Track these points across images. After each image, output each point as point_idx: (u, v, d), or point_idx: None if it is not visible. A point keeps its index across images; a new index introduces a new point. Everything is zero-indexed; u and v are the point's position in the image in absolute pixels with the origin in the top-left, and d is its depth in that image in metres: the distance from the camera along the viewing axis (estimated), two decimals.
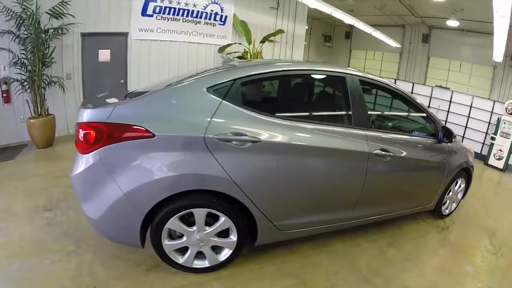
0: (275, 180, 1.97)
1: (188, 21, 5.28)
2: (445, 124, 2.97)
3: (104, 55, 4.72)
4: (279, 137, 1.93)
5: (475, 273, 2.57)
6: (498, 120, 5.97)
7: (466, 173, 3.39)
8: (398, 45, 11.03)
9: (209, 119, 1.78)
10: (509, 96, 8.23)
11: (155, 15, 4.85)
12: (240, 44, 6.01)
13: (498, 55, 6.23)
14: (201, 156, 1.76)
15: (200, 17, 5.40)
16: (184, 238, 1.93)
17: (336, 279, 2.19)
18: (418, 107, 2.82)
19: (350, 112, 2.28)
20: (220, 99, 1.84)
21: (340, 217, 2.40)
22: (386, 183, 2.57)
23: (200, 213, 1.86)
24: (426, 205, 3.10)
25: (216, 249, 2.06)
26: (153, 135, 1.69)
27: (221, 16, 5.69)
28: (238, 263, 2.18)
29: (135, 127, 1.70)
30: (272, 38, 6.13)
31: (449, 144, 2.89)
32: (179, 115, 1.80)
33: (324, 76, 2.54)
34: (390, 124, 2.94)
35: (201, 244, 1.96)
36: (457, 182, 3.30)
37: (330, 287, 2.11)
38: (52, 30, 3.98)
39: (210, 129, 1.77)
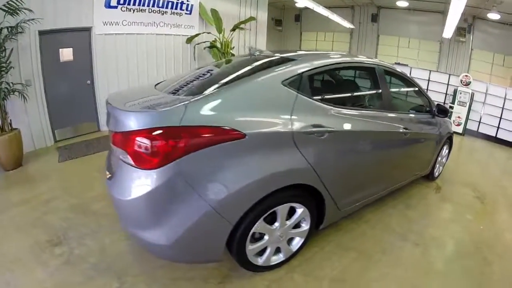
0: (342, 164, 2.24)
1: (154, 11, 5.17)
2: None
3: (66, 54, 4.41)
4: (346, 126, 2.20)
5: (474, 219, 3.36)
6: (455, 91, 7.09)
7: (449, 140, 4.14)
8: (352, 26, 12.10)
9: (290, 113, 1.89)
10: (455, 67, 9.79)
11: (120, 6, 4.66)
12: (209, 33, 6.12)
13: (448, 32, 7.46)
14: (289, 151, 1.86)
15: (166, 7, 5.33)
16: (266, 238, 2.00)
17: (384, 243, 2.69)
18: (419, 89, 3.38)
19: (384, 99, 2.71)
20: (295, 93, 1.96)
21: (378, 188, 2.86)
22: (405, 155, 3.09)
23: (283, 210, 1.97)
24: (425, 170, 3.76)
25: (289, 240, 2.21)
26: (244, 136, 1.67)
27: (187, 5, 5.67)
28: (301, 251, 2.36)
29: (224, 128, 1.63)
30: (242, 25, 6.37)
31: (439, 117, 3.51)
32: (262, 111, 1.82)
33: (365, 67, 2.86)
34: (402, 105, 3.45)
35: (281, 239, 2.09)
36: (443, 148, 4.03)
37: (383, 250, 2.57)
38: (8, 29, 3.59)
39: (294, 123, 1.88)
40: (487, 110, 6.89)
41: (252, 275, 2.15)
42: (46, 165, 3.98)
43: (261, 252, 2.07)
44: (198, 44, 6.14)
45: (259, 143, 1.76)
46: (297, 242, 2.26)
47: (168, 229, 1.65)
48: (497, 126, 6.79)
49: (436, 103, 3.54)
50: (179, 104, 1.64)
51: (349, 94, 2.76)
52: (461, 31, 8.97)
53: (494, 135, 6.87)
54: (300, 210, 2.08)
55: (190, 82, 2.24)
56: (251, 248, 1.95)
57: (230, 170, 1.66)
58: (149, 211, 1.65)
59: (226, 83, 1.91)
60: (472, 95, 6.89)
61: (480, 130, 7.12)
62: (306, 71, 2.09)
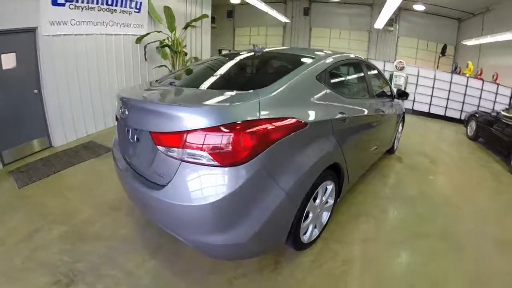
0: (353, 143, 2.67)
1: (103, 9, 4.99)
2: None
3: (9, 60, 4.04)
4: (355, 112, 2.67)
5: (435, 179, 4.41)
6: (391, 76, 8.35)
7: (402, 118, 5.05)
8: (288, 20, 13.06)
9: (325, 103, 2.23)
10: (384, 54, 11.43)
11: (67, 3, 4.38)
12: (159, 32, 6.13)
13: (380, 24, 8.79)
14: (329, 136, 2.21)
15: (116, 5, 5.17)
16: (311, 216, 2.27)
17: (380, 206, 3.40)
18: (383, 78, 4.14)
19: (369, 87, 3.33)
20: (324, 86, 2.29)
21: (367, 162, 3.56)
22: (381, 133, 3.77)
23: (323, 187, 2.29)
24: (389, 145, 4.59)
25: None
26: (306, 124, 1.92)
27: (136, 2, 5.53)
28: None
29: (293, 119, 1.85)
30: (194, 23, 6.52)
31: (396, 100, 4.33)
32: (309, 102, 2.11)
33: (355, 62, 3.35)
34: (376, 92, 4.22)
35: (318, 215, 2.41)
36: (399, 125, 4.90)
37: (382, 211, 3.30)
38: None
39: (329, 112, 2.23)
40: (419, 90, 8.31)
41: (297, 254, 2.42)
42: (5, 194, 3.41)
43: (304, 230, 2.34)
44: (149, 43, 6.11)
45: (313, 130, 2.05)
46: (325, 216, 2.65)
47: (247, 225, 1.70)
48: (429, 103, 8.26)
49: (397, 88, 4.40)
50: (252, 97, 1.75)
51: (351, 86, 3.29)
52: (389, 21, 10.53)
53: (427, 111, 8.33)
54: (330, 186, 2.45)
55: (224, 76, 2.38)
56: (302, 227, 2.21)
57: (297, 156, 1.90)
58: (233, 209, 1.65)
59: (274, 78, 2.05)
60: (406, 78, 8.23)
61: (415, 108, 8.52)
62: (328, 67, 2.48)
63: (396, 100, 4.34)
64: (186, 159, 1.63)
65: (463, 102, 8.02)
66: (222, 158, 1.57)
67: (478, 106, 7.81)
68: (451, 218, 3.25)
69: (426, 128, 7.69)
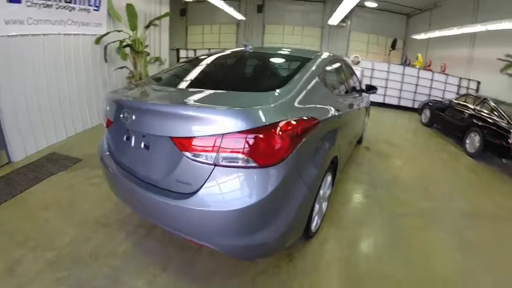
0: (343, 136, 2.90)
1: (61, 7, 4.65)
2: None
3: None
4: (344, 108, 2.95)
5: (403, 164, 4.96)
6: None
7: (368, 110, 5.55)
8: (243, 18, 13.18)
9: (326, 101, 2.45)
10: (336, 49, 12.13)
11: (24, 1, 4.11)
12: (120, 31, 5.88)
13: (335, 20, 9.31)
14: (332, 131, 2.43)
15: (74, 2, 4.89)
16: (317, 206, 2.42)
17: (363, 191, 3.81)
18: (355, 75, 4.52)
19: (349, 84, 3.68)
20: (324, 84, 2.51)
21: (349, 152, 3.98)
22: (357, 124, 4.15)
23: (326, 179, 2.47)
24: (359, 136, 5.00)
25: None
26: (319, 122, 2.09)
27: (95, 0, 5.39)
28: None
29: (312, 118, 2.00)
30: (156, 22, 6.35)
31: (365, 93, 4.75)
32: (317, 101, 2.27)
33: (338, 61, 3.56)
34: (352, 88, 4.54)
35: (321, 205, 2.60)
36: (367, 117, 5.39)
37: (366, 196, 3.68)
38: None
39: (330, 109, 2.44)
40: (374, 83, 8.97)
41: (306, 244, 2.60)
42: None
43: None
44: (109, 44, 5.84)
45: (324, 127, 2.24)
46: (324, 205, 2.85)
47: (281, 221, 1.78)
48: (383, 94, 8.98)
49: (365, 83, 4.82)
50: (282, 98, 1.87)
51: (337, 83, 3.49)
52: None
53: (382, 101, 9.05)
54: (329, 178, 2.65)
55: (232, 76, 2.47)
56: (312, 217, 2.38)
57: (314, 152, 2.09)
58: (272, 208, 1.72)
59: (287, 79, 2.21)
60: (362, 71, 8.85)
61: (370, 99, 9.20)
62: (324, 66, 2.68)
63: (364, 94, 4.72)
64: (221, 163, 1.62)
65: (415, 92, 8.86)
66: (262, 159, 1.61)
67: (429, 95, 8.69)
68: (423, 198, 3.72)
69: (384, 117, 8.37)
